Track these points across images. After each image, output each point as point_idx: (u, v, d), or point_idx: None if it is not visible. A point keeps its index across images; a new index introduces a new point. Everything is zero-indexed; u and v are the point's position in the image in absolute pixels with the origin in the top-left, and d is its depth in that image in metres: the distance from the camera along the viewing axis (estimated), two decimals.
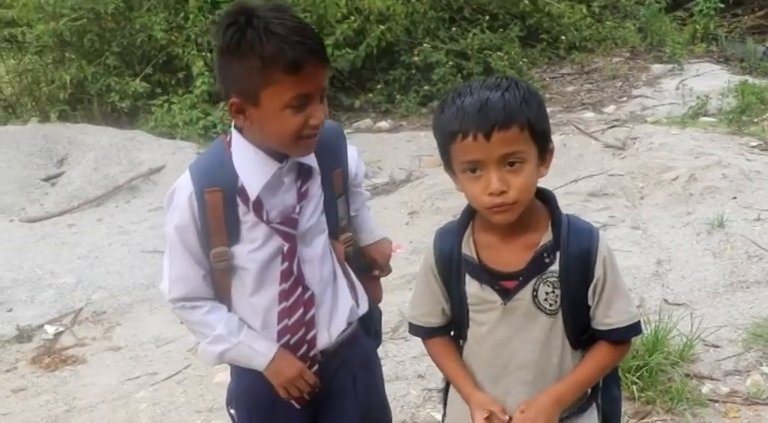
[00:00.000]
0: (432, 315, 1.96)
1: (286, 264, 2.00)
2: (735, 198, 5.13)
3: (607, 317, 1.85)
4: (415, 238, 5.02)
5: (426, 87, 8.33)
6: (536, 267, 1.81)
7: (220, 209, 1.95)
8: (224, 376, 3.79)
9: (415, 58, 8.43)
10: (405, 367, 3.76)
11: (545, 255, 1.81)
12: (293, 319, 2.04)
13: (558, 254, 1.81)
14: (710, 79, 8.34)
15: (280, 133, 1.88)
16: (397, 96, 8.46)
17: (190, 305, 2.04)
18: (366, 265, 2.29)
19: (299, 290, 2.03)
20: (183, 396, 3.77)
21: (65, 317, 4.66)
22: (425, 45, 8.45)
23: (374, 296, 2.30)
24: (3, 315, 4.66)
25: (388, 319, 4.09)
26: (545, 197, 1.86)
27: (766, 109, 7.23)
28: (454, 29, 8.94)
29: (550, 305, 1.82)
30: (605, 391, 1.95)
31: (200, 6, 7.83)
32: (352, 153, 2.21)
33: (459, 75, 8.37)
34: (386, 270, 2.34)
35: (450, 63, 8.42)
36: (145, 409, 3.69)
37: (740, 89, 7.54)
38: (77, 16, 7.82)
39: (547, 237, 1.81)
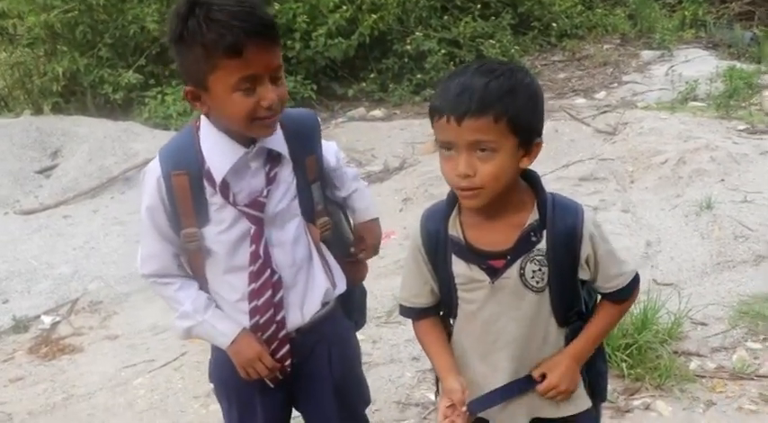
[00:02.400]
0: (421, 296, 2.00)
1: (254, 246, 2.05)
2: (722, 180, 5.19)
3: (607, 282, 1.92)
4: (408, 225, 5.06)
5: (419, 76, 8.36)
6: (523, 246, 1.85)
7: (187, 191, 2.00)
8: None
9: (408, 47, 8.45)
10: (399, 350, 3.82)
11: (532, 234, 1.84)
12: (262, 301, 2.08)
13: (544, 232, 1.84)
14: (699, 65, 8.41)
15: (233, 117, 1.91)
16: (390, 85, 8.49)
17: (161, 281, 2.12)
18: (349, 247, 2.32)
19: (267, 272, 2.06)
20: (180, 382, 3.82)
21: (61, 307, 4.70)
22: (418, 34, 8.47)
23: (358, 276, 2.34)
24: None
25: (383, 304, 4.15)
26: (530, 178, 1.90)
27: (753, 93, 7.31)
28: (446, 17, 8.95)
29: (537, 283, 1.86)
30: (591, 366, 2.00)
31: None
32: (330, 146, 2.25)
33: (452, 63, 8.40)
34: (370, 251, 2.36)
35: (443, 51, 8.44)
36: (143, 396, 3.73)
37: (728, 74, 7.62)
38: (69, 8, 7.78)
39: (533, 216, 1.85)
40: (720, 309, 3.86)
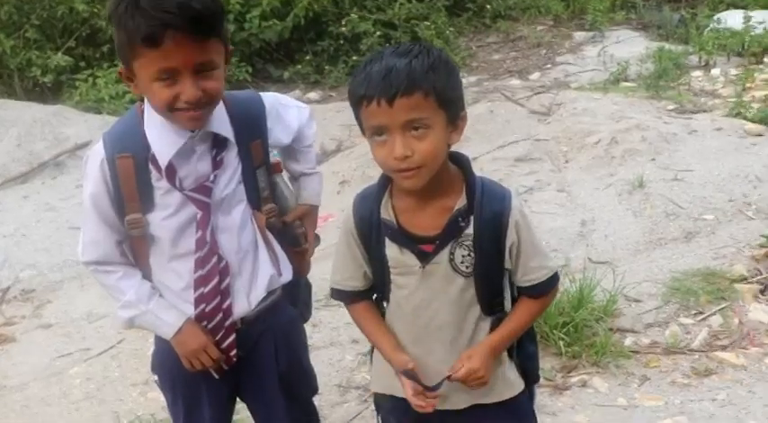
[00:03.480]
0: (354, 279, 1.99)
1: (200, 232, 2.02)
2: (653, 160, 5.31)
3: (526, 275, 1.92)
4: (346, 207, 5.02)
5: (355, 58, 8.34)
6: (451, 231, 1.85)
7: (132, 175, 1.97)
8: None
9: (343, 29, 8.43)
10: (339, 333, 3.82)
11: (459, 219, 1.85)
12: (208, 288, 2.05)
13: (471, 218, 1.85)
14: (630, 46, 8.57)
15: (155, 105, 1.90)
16: (326, 67, 8.46)
17: (102, 269, 2.08)
18: (293, 238, 2.28)
19: (215, 258, 2.04)
20: (117, 370, 3.76)
21: None
22: (353, 15, 8.46)
23: (300, 269, 2.30)
24: None
25: (321, 288, 4.10)
26: (459, 161, 1.90)
27: (682, 74, 7.48)
28: None
29: (467, 267, 1.87)
30: (520, 349, 2.01)
31: None
32: (301, 113, 2.22)
33: (387, 44, 8.38)
34: (312, 241, 2.32)
35: (378, 33, 8.45)
36: (79, 385, 3.67)
37: (657, 55, 7.79)
38: None
39: (462, 201, 1.85)
40: (653, 286, 3.96)
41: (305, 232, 2.28)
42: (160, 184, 1.99)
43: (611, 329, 3.60)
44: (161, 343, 2.18)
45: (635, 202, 4.84)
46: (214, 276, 2.05)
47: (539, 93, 7.14)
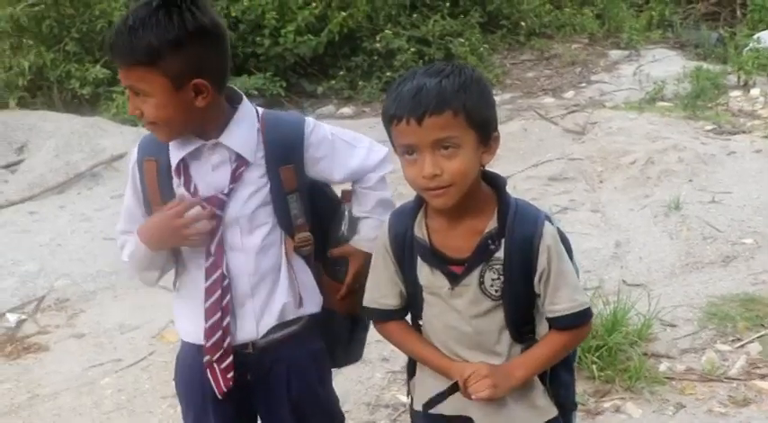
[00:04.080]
0: (389, 297, 1.97)
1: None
2: (690, 181, 5.25)
3: (553, 304, 1.86)
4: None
5: (388, 73, 8.34)
6: (481, 254, 1.83)
7: (155, 178, 2.02)
8: None
9: (377, 45, 8.45)
10: (369, 351, 3.76)
11: (489, 241, 1.83)
12: (211, 300, 2.03)
13: (503, 241, 1.83)
14: (666, 65, 8.50)
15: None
16: (360, 83, 8.48)
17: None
18: (333, 272, 2.21)
19: (218, 273, 2.01)
20: (148, 382, 3.77)
21: (27, 305, 4.62)
22: (387, 31, 8.47)
23: (336, 304, 2.21)
24: None
25: None
26: (494, 183, 1.88)
27: (720, 94, 7.40)
28: (415, 15, 8.96)
29: (495, 291, 1.85)
30: (553, 377, 1.97)
31: None
32: (370, 155, 2.16)
33: (421, 61, 8.40)
34: (351, 286, 2.21)
35: (412, 49, 8.45)
36: (110, 396, 3.68)
37: (695, 75, 7.71)
38: (35, 2, 7.72)
39: (493, 223, 1.83)
40: (689, 310, 3.90)
41: (345, 271, 2.20)
42: (180, 191, 2.01)
43: (645, 354, 3.55)
44: (180, 352, 2.21)
45: (671, 224, 4.78)
46: (217, 289, 2.02)
47: (573, 111, 7.11)
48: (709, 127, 6.43)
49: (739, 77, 7.80)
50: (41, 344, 4.24)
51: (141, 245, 2.02)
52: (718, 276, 4.22)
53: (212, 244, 2.01)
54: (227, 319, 2.04)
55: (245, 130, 2.00)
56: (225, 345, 2.05)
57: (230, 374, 2.07)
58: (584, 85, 8.41)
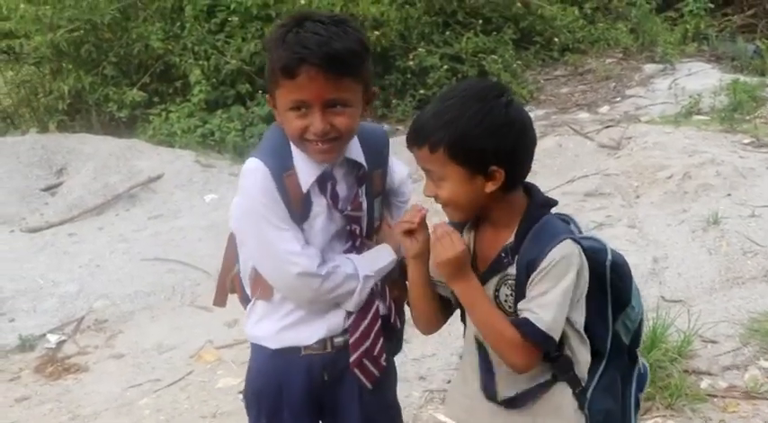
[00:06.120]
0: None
1: (350, 242, 2.12)
2: (729, 195, 5.18)
3: (522, 303, 1.83)
4: None
5: (422, 91, 8.38)
6: (494, 266, 1.88)
7: (299, 191, 2.04)
8: (227, 381, 3.85)
9: (411, 63, 8.48)
10: (406, 369, 3.80)
11: (503, 254, 1.87)
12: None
13: (516, 257, 1.85)
14: (702, 78, 8.42)
15: (288, 132, 2.01)
16: (394, 101, 8.50)
17: (317, 273, 2.06)
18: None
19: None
20: (186, 402, 3.80)
21: (67, 325, 4.68)
22: (420, 50, 8.50)
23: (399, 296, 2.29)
24: (5, 325, 4.67)
25: None
26: (529, 199, 1.91)
27: (758, 106, 7.31)
28: (448, 33, 8.97)
29: (509, 307, 1.87)
30: (593, 403, 1.95)
31: (196, 15, 7.88)
32: (402, 167, 2.28)
33: (454, 78, 8.42)
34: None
35: (445, 67, 8.47)
36: (149, 416, 3.72)
37: (732, 87, 7.60)
38: (74, 27, 7.85)
39: (511, 238, 1.87)
40: (731, 326, 3.85)
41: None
42: (318, 202, 2.06)
43: (686, 371, 3.51)
44: (253, 362, 2.25)
45: (709, 239, 4.72)
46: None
47: (608, 126, 7.06)
48: (747, 140, 6.35)
49: None
50: (81, 364, 4.29)
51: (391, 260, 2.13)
52: (760, 292, 4.15)
53: (356, 240, 2.12)
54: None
55: (354, 140, 2.09)
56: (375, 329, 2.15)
57: (383, 358, 2.17)
58: (618, 99, 8.35)
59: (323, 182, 2.05)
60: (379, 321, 2.15)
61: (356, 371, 2.15)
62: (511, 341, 1.83)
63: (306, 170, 2.04)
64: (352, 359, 2.14)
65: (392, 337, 2.30)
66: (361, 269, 2.11)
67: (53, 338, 4.55)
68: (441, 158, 1.79)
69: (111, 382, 4.08)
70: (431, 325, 2.07)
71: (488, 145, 1.79)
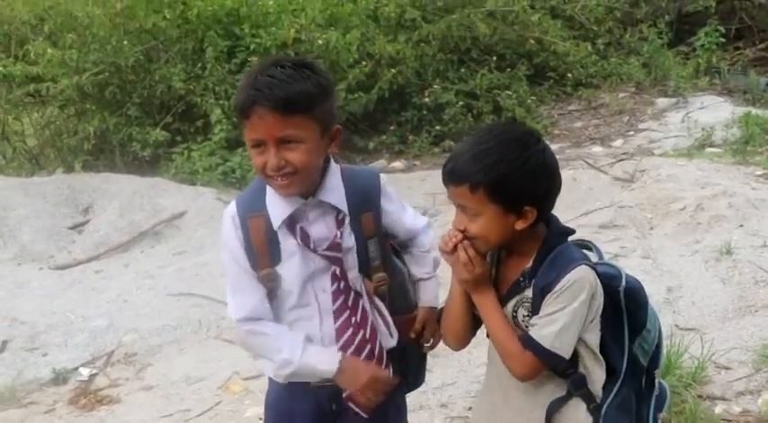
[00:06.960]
0: None
1: (336, 284, 2.19)
2: (741, 226, 5.27)
3: (533, 320, 2.00)
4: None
5: (438, 127, 8.51)
6: (513, 288, 2.04)
7: (263, 234, 2.17)
8: (255, 411, 3.94)
9: (426, 100, 8.61)
10: (428, 397, 3.89)
11: (521, 279, 2.02)
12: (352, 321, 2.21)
13: (533, 281, 2.00)
14: (715, 111, 8.52)
15: (255, 169, 2.13)
16: (410, 137, 8.63)
17: (254, 329, 2.22)
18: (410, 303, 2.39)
19: (346, 314, 2.21)
20: None
21: (98, 359, 4.81)
22: (435, 86, 8.63)
23: (408, 339, 2.37)
24: (39, 359, 4.80)
25: None
26: (549, 229, 2.05)
27: None
28: (463, 70, 9.11)
29: (526, 326, 2.02)
30: (607, 419, 2.06)
31: (216, 56, 8.05)
32: (417, 218, 2.40)
33: (470, 114, 8.56)
34: (436, 341, 2.40)
35: (461, 103, 8.59)
36: None
37: (744, 120, 7.72)
38: (99, 70, 8.05)
39: (529, 264, 2.02)
40: (744, 353, 3.93)
41: (430, 331, 2.38)
42: (287, 242, 2.17)
43: (700, 397, 3.58)
44: (274, 384, 2.34)
45: (722, 268, 4.81)
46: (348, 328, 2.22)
47: (622, 159, 7.17)
48: (759, 172, 6.44)
49: None
50: (113, 396, 4.40)
51: (325, 371, 2.20)
52: None
53: (340, 282, 2.19)
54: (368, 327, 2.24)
55: (336, 184, 2.19)
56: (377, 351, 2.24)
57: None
58: (632, 133, 8.46)
59: (292, 222, 2.16)
60: (374, 359, 2.23)
61: (350, 404, 2.26)
62: (512, 351, 2.01)
63: (278, 209, 2.16)
64: (344, 395, 2.25)
65: (404, 371, 2.37)
66: (292, 353, 2.18)
67: (85, 372, 4.67)
68: (480, 198, 1.94)
69: (142, 412, 4.19)
70: (459, 339, 2.21)
71: (526, 188, 1.96)
